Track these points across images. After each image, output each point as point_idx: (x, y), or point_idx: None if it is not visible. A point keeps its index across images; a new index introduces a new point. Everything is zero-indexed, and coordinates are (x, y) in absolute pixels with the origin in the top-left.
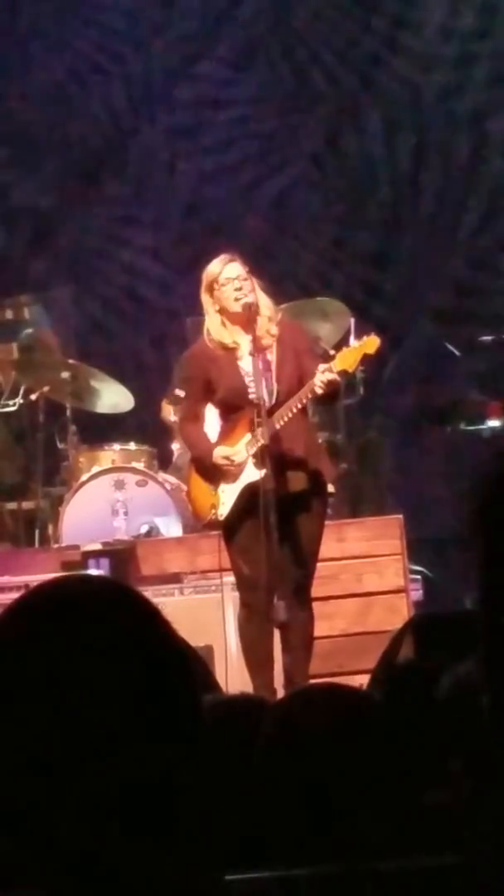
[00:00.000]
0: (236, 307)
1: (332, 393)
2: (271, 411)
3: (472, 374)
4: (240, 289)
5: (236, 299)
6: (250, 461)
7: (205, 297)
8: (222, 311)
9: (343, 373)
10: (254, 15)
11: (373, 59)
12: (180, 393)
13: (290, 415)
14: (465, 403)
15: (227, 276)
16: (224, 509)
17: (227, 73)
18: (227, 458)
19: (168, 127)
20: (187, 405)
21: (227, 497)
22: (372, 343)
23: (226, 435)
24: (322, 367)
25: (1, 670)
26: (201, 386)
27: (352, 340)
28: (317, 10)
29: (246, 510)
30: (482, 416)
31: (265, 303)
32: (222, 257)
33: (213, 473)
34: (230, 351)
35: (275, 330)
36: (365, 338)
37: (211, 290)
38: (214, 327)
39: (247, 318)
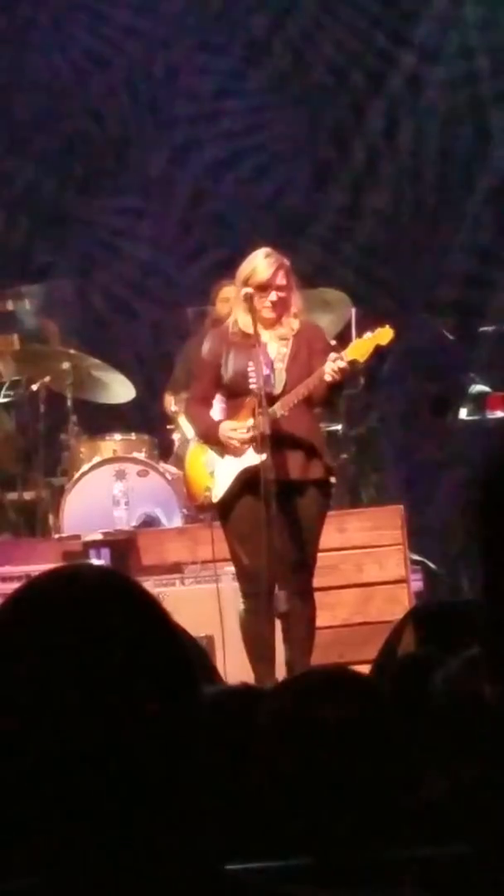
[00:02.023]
0: (269, 312)
1: (338, 384)
2: (276, 398)
3: (473, 365)
4: (275, 299)
5: (269, 308)
6: (252, 445)
7: (242, 291)
8: (251, 307)
9: (354, 363)
10: (258, 7)
11: (376, 51)
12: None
13: (296, 401)
14: (467, 394)
15: (272, 284)
16: (218, 490)
17: (230, 64)
18: (233, 430)
19: (171, 118)
20: (199, 386)
21: (221, 478)
22: (385, 335)
23: (230, 416)
24: (333, 355)
25: (1, 660)
26: (215, 369)
27: (354, 332)
28: (321, 2)
29: (242, 494)
30: (483, 407)
31: (296, 301)
32: (272, 260)
33: (219, 447)
34: (248, 338)
35: (296, 325)
36: (378, 329)
37: (252, 287)
38: (242, 318)
39: (272, 321)
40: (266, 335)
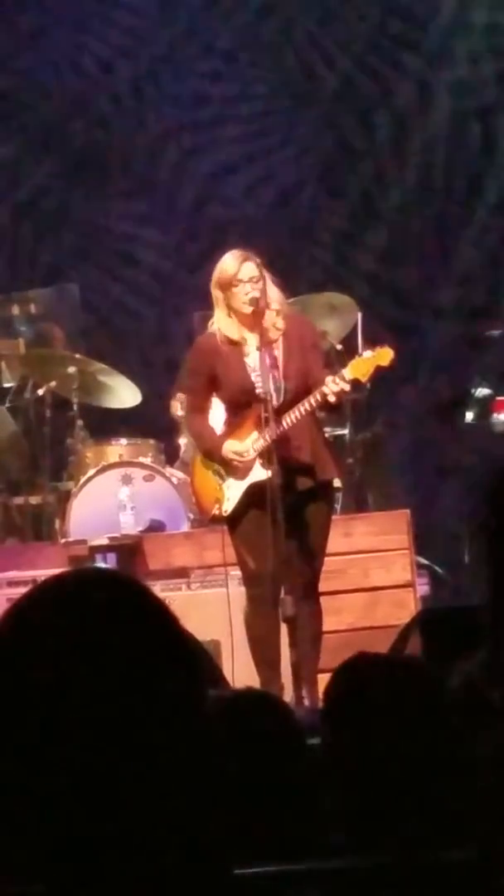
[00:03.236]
0: (247, 309)
1: (338, 403)
2: (279, 408)
3: (479, 369)
4: (249, 292)
5: (246, 302)
6: (258, 459)
7: (216, 293)
8: (231, 308)
9: (355, 381)
10: (261, 10)
11: (382, 55)
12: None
13: (297, 417)
14: (473, 398)
15: (241, 277)
16: (229, 505)
17: (234, 68)
18: (237, 453)
19: (175, 122)
20: (193, 398)
21: (231, 493)
22: (385, 355)
23: (233, 430)
24: (330, 378)
25: (9, 664)
26: (206, 379)
27: (364, 351)
28: (325, 5)
29: (251, 506)
30: (489, 410)
31: (275, 297)
32: (237, 255)
33: (224, 466)
34: (237, 346)
35: (281, 324)
36: (378, 349)
37: (222, 287)
38: (223, 322)
39: (254, 319)
40: (252, 339)
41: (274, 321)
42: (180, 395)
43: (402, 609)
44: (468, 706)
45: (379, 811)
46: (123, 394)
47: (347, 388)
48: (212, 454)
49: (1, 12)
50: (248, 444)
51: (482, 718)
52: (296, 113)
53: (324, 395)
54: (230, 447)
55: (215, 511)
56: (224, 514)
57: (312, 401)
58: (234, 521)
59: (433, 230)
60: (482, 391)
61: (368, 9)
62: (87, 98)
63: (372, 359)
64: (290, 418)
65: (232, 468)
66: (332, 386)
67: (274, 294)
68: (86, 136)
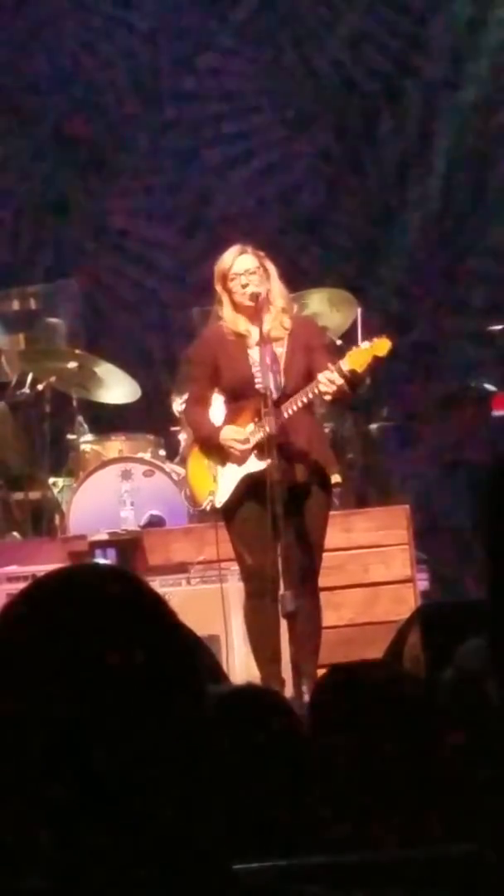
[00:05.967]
0: (245, 300)
1: (340, 395)
2: (277, 403)
3: (479, 364)
4: (247, 284)
5: (245, 296)
6: (254, 451)
7: (218, 287)
8: (233, 301)
9: (352, 373)
10: (265, 5)
11: (384, 53)
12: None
13: (295, 408)
14: (473, 393)
15: (237, 270)
16: (221, 496)
17: (237, 64)
18: (235, 439)
19: (178, 118)
20: (195, 388)
21: (224, 482)
22: (383, 346)
23: (231, 421)
24: (324, 374)
25: (8, 659)
26: (210, 369)
27: (361, 342)
28: (327, 1)
29: (245, 498)
30: (489, 406)
31: (281, 293)
32: (235, 248)
33: (219, 454)
34: (242, 338)
35: (288, 323)
36: (375, 340)
37: (221, 281)
38: (228, 315)
39: (255, 311)
40: (256, 332)
41: (281, 319)
42: (178, 391)
43: (401, 604)
44: (464, 697)
45: (375, 807)
46: (123, 389)
47: (340, 381)
48: (210, 440)
49: (2, 10)
50: (245, 432)
51: (478, 709)
52: (298, 109)
53: (317, 386)
54: (228, 433)
55: (206, 504)
56: (216, 507)
57: (309, 393)
58: (229, 514)
59: (435, 227)
60: (483, 386)
61: (375, 7)
62: (89, 94)
63: (369, 349)
64: (289, 409)
65: (229, 455)
66: (324, 376)
67: (279, 290)
68: (87, 132)
